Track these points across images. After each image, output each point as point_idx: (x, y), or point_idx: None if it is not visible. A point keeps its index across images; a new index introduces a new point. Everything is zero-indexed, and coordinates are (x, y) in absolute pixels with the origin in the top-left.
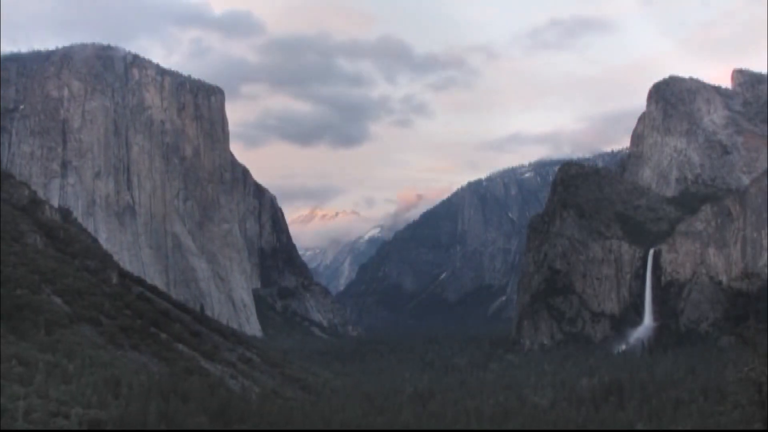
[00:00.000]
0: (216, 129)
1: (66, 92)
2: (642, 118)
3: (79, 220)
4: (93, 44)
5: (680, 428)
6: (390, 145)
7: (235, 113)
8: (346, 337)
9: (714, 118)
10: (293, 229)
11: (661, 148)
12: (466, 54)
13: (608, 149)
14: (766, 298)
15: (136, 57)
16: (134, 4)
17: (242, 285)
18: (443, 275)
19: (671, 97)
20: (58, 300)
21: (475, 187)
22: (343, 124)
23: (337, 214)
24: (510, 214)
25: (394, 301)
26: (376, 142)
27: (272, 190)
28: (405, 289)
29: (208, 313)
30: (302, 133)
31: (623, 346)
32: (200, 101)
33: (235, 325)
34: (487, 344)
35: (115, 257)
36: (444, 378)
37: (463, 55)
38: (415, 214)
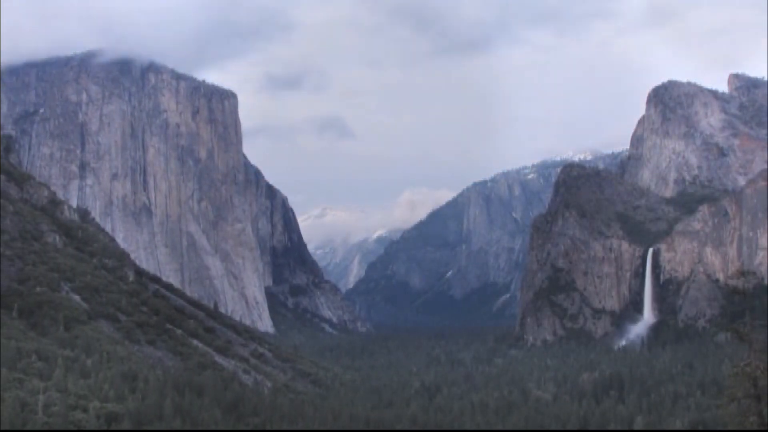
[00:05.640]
0: (229, 132)
1: (84, 96)
2: (641, 121)
3: (97, 220)
4: (111, 50)
5: (678, 422)
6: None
7: None
8: (355, 333)
9: (711, 121)
10: (304, 228)
11: (660, 150)
12: None
13: (609, 151)
14: (762, 295)
15: (152, 62)
16: None
17: (255, 283)
18: (449, 273)
19: (670, 101)
20: (76, 297)
21: (480, 188)
22: None
23: (346, 213)
24: (514, 214)
25: (402, 298)
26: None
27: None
28: (412, 286)
29: (222, 310)
30: None
31: (623, 342)
32: (214, 105)
33: (247, 322)
34: (491, 340)
35: (132, 256)
36: (450, 372)
37: None
38: (421, 213)
